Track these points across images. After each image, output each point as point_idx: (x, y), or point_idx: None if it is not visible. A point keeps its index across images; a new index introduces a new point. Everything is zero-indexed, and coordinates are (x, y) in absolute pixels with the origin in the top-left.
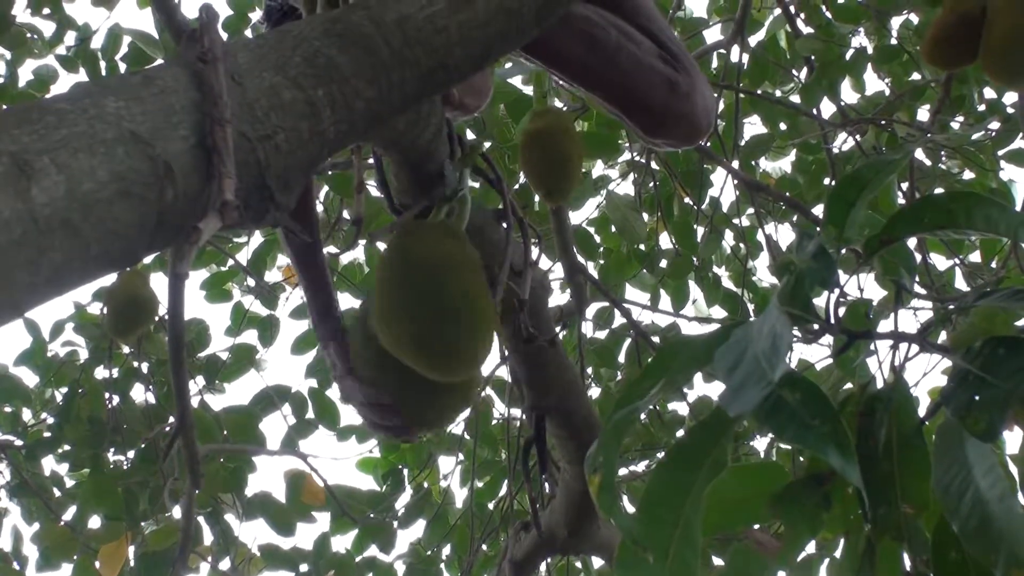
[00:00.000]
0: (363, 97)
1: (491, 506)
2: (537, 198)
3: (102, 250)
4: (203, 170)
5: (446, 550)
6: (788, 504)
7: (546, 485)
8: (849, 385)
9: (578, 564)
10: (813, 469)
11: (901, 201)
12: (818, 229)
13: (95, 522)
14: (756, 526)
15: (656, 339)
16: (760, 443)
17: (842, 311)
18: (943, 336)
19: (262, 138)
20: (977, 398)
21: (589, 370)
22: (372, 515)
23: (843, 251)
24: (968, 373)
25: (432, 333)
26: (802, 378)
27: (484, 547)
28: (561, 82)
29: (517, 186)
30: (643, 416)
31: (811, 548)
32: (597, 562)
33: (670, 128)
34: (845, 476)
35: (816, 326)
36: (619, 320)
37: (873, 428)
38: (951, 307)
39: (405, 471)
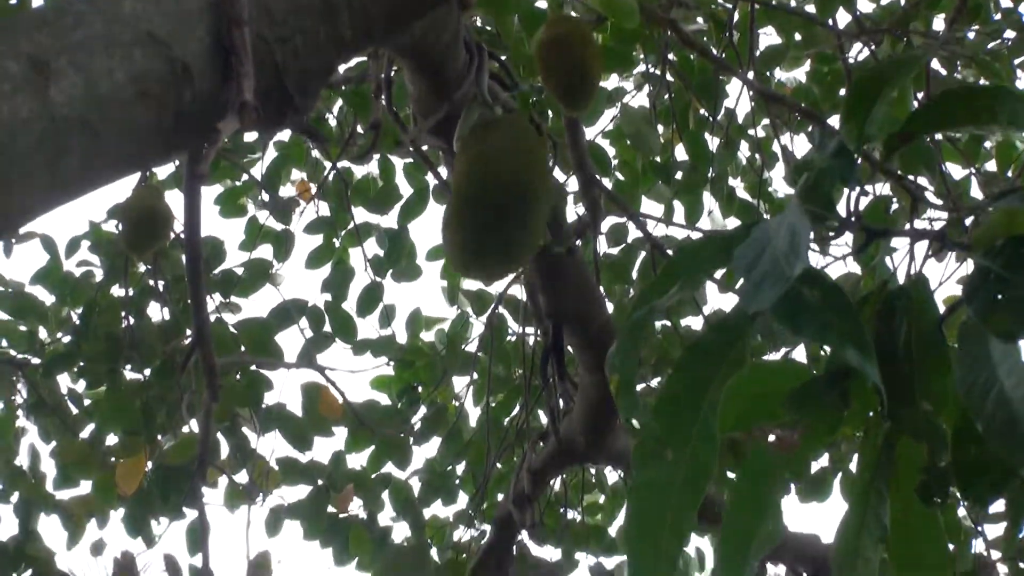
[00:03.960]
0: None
1: (506, 422)
2: (551, 113)
3: (121, 151)
4: (221, 71)
5: (461, 467)
6: (807, 401)
7: (560, 401)
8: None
9: (593, 480)
10: (832, 366)
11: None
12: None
13: (112, 440)
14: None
15: (671, 252)
16: None
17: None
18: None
19: (280, 40)
20: (999, 297)
21: (602, 288)
22: (388, 430)
23: (863, 149)
24: (990, 272)
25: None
26: (821, 275)
27: (499, 465)
28: None
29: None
30: (657, 327)
31: (824, 461)
32: (611, 477)
33: None
34: (863, 373)
35: (836, 224)
36: (633, 235)
37: (893, 326)
38: (967, 210)
39: (419, 389)
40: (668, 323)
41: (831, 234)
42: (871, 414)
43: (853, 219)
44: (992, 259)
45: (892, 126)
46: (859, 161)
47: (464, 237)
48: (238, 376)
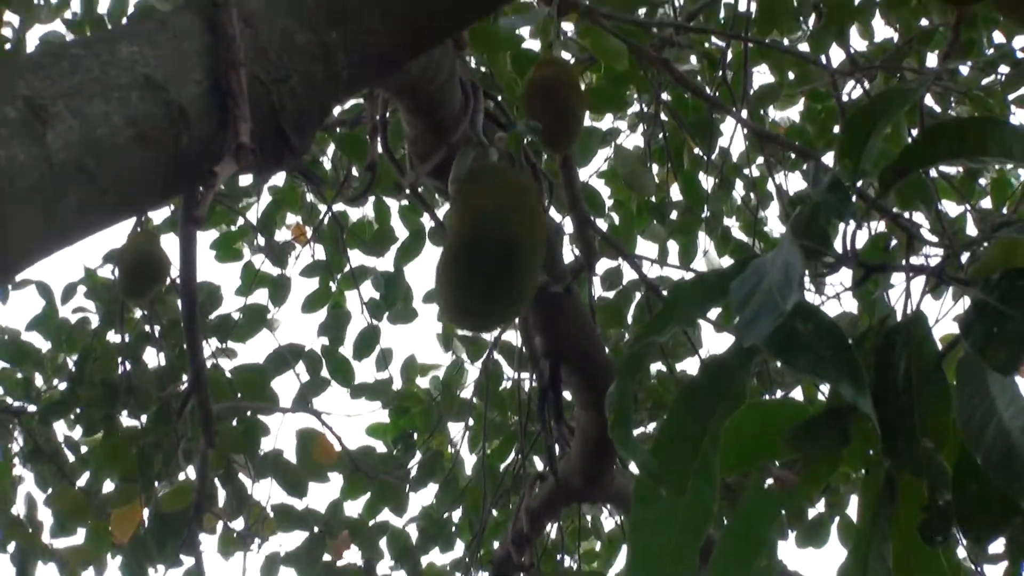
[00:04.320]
0: (376, 39)
1: (502, 468)
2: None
3: (118, 195)
4: (217, 114)
5: (457, 513)
6: (807, 439)
7: (556, 447)
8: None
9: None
10: (832, 403)
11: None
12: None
13: (109, 487)
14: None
15: (666, 292)
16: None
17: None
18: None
19: (276, 81)
20: (996, 331)
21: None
22: (384, 476)
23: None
24: (987, 305)
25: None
26: (815, 309)
27: (495, 512)
28: (571, 33)
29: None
30: (653, 370)
31: (821, 507)
32: (608, 523)
33: None
34: (858, 407)
35: (832, 259)
36: (628, 276)
37: (892, 362)
38: (963, 244)
39: (415, 436)
40: (664, 367)
41: (826, 270)
42: (872, 452)
43: (849, 254)
44: (989, 292)
45: (887, 161)
46: (854, 196)
47: (457, 291)
48: (234, 422)
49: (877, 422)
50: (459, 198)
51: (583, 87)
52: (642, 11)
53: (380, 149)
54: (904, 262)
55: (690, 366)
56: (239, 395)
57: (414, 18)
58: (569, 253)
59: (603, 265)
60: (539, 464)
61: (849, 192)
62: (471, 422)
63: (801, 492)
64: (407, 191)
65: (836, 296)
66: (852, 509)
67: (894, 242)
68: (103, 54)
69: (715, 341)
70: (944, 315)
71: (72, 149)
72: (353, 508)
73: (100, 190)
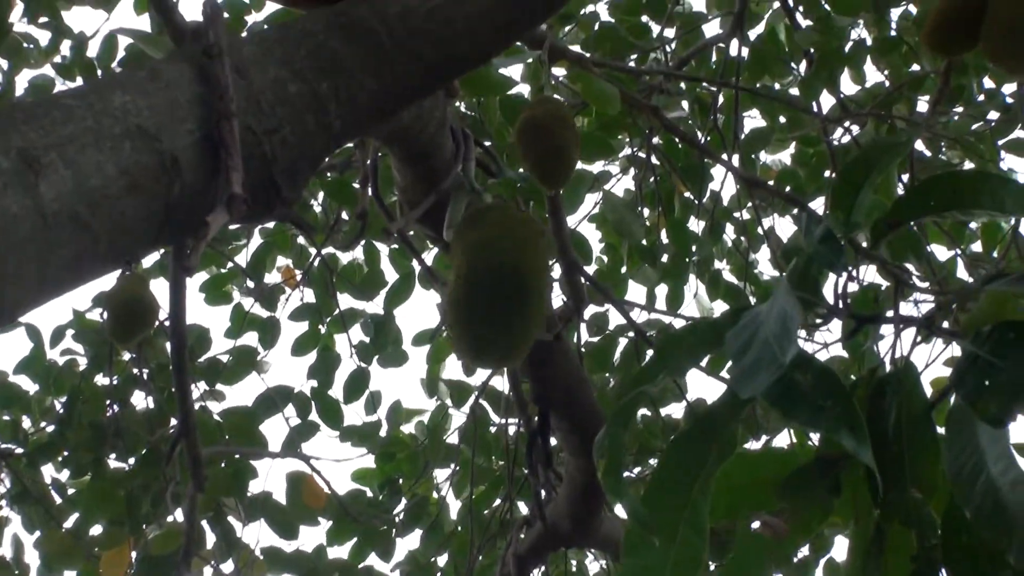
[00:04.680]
0: (367, 90)
1: (487, 513)
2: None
3: (111, 244)
4: (210, 164)
5: (443, 559)
6: (798, 489)
7: (543, 492)
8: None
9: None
10: (823, 454)
11: (901, 192)
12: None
13: (97, 529)
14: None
15: (653, 335)
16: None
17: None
18: (946, 324)
19: (268, 132)
20: (987, 383)
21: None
22: (372, 519)
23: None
24: (978, 358)
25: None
26: (813, 360)
27: (480, 557)
28: (562, 78)
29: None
30: (639, 415)
31: (804, 550)
32: (592, 567)
33: None
34: (858, 457)
35: (824, 310)
36: (615, 320)
37: (883, 412)
38: (954, 294)
39: (401, 481)
40: (649, 412)
41: (819, 320)
42: (862, 501)
43: (841, 306)
44: (980, 345)
45: (878, 210)
46: (846, 247)
47: (472, 327)
48: (223, 464)
49: (868, 476)
50: (462, 238)
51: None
52: (633, 57)
53: (371, 196)
54: (894, 312)
55: (675, 410)
56: (227, 437)
57: (407, 71)
58: (557, 299)
59: (590, 310)
60: (524, 509)
61: (841, 244)
62: (457, 467)
63: (791, 541)
64: (397, 237)
65: (825, 346)
66: (836, 550)
67: (884, 285)
68: (96, 104)
69: (699, 383)
70: (935, 359)
71: (65, 199)
72: (339, 553)
73: (93, 239)
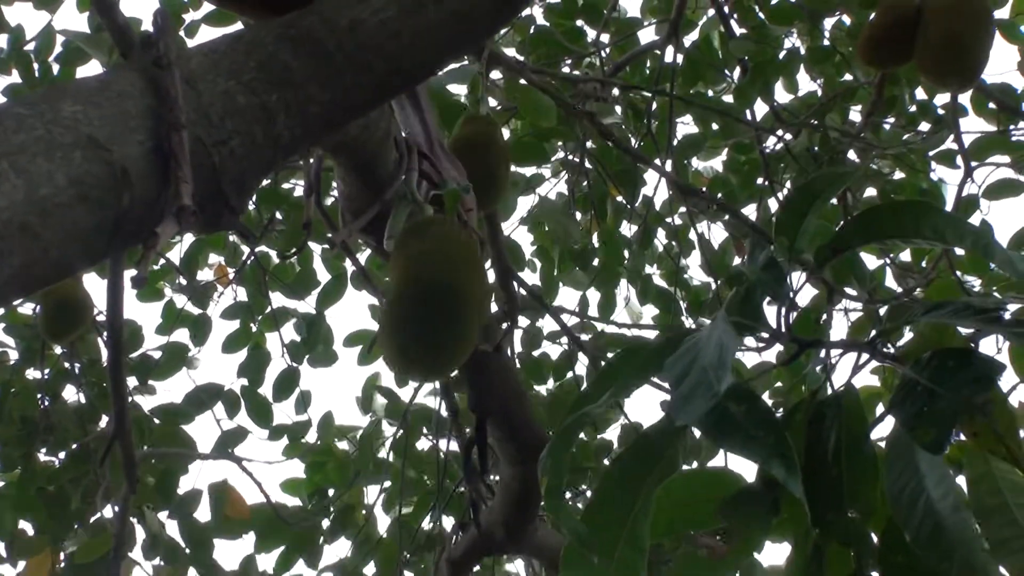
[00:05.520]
0: (317, 101)
1: (416, 527)
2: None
3: (61, 253)
4: (160, 175)
5: (370, 568)
6: (739, 509)
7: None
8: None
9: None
10: (763, 474)
11: (832, 201)
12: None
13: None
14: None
15: (586, 337)
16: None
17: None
18: (872, 333)
19: (217, 143)
20: (926, 409)
21: None
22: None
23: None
24: (917, 384)
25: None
26: (747, 390)
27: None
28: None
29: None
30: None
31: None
32: None
33: None
34: (788, 487)
35: (767, 336)
36: (550, 326)
37: (823, 434)
38: (883, 304)
39: (331, 492)
40: (583, 435)
41: (762, 345)
42: (801, 521)
43: (783, 330)
44: (920, 371)
45: (821, 235)
46: (789, 275)
47: (404, 338)
48: (153, 461)
49: (805, 497)
50: (401, 250)
51: (507, 136)
52: (568, 61)
53: (316, 206)
54: (825, 316)
55: (610, 432)
56: (156, 437)
57: (356, 83)
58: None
59: (523, 322)
60: (449, 526)
61: (784, 271)
62: (387, 484)
63: (730, 560)
64: (339, 245)
65: (766, 371)
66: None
67: (814, 292)
68: (47, 113)
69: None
70: (862, 366)
71: (16, 208)
72: (266, 561)
73: (43, 248)
